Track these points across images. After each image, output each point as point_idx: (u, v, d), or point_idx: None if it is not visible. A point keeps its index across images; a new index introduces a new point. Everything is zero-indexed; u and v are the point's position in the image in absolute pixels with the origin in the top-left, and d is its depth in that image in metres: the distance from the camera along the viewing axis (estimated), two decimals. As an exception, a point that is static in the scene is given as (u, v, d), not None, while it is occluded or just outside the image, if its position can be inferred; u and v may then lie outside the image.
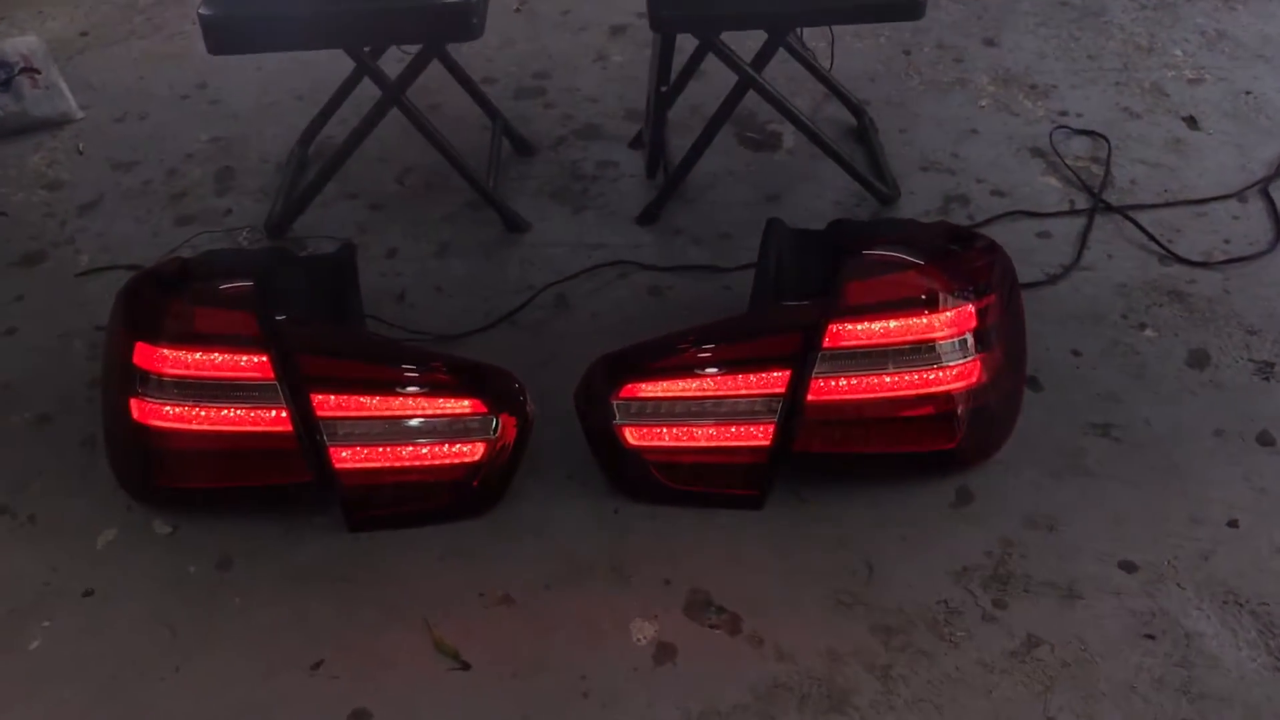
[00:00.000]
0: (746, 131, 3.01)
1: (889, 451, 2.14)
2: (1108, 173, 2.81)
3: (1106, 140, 2.90)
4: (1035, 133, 2.95)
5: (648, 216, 2.74)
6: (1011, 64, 3.20)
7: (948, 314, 2.11)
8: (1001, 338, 2.20)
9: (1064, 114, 3.01)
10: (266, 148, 3.01)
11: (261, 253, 2.46)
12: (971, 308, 2.14)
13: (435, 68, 2.98)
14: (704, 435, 2.12)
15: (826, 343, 2.07)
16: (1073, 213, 2.72)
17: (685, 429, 2.12)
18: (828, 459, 2.14)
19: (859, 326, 2.09)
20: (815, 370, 2.07)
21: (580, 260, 2.63)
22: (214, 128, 3.10)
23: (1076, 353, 2.38)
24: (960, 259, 2.22)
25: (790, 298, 2.22)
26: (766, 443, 2.10)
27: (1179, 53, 3.24)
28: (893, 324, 2.10)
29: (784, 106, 2.62)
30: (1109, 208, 2.71)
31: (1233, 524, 2.06)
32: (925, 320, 2.10)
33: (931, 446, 2.15)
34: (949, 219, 2.69)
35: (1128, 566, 2.00)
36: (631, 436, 2.12)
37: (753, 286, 2.34)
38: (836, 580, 2.00)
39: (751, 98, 2.66)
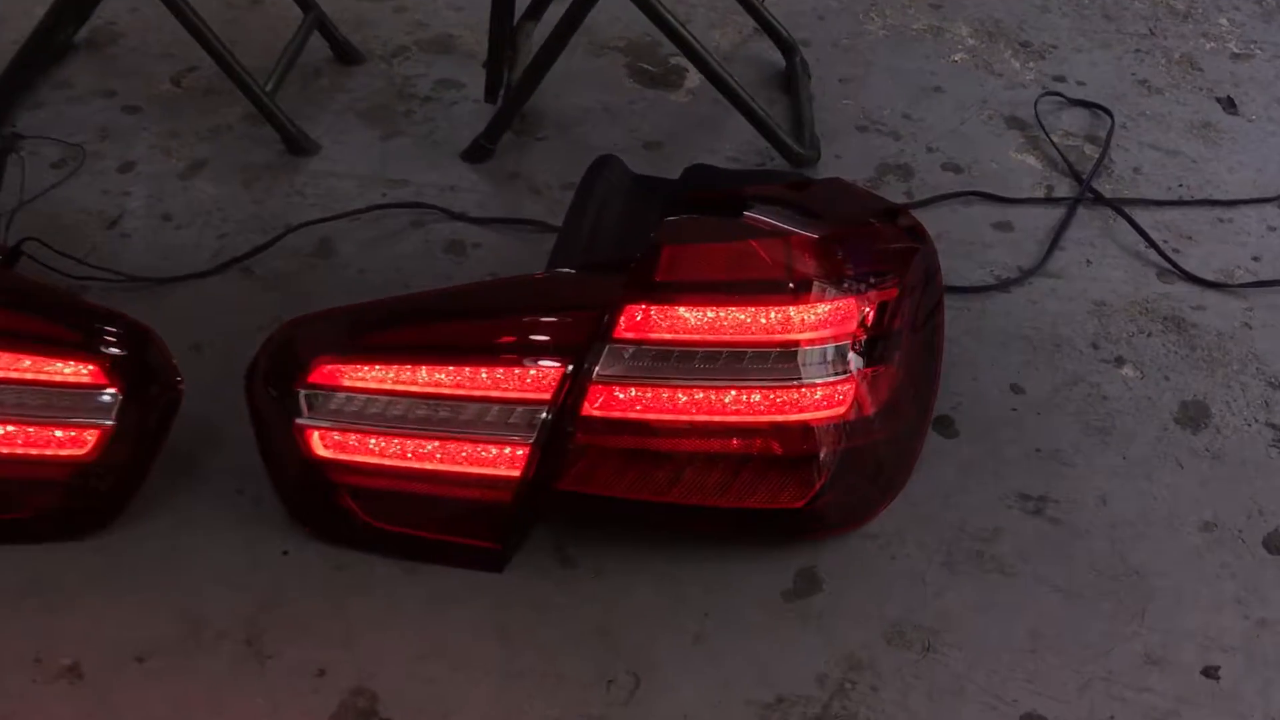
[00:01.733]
0: (641, 62, 2.31)
1: (703, 505, 1.43)
2: (1105, 155, 2.08)
3: (1110, 115, 2.17)
4: (1018, 99, 2.23)
5: (477, 152, 2.04)
6: (1003, 15, 2.48)
7: (820, 308, 1.41)
8: (902, 354, 1.50)
9: (1060, 80, 2.28)
10: (25, 26, 2.34)
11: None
12: (858, 304, 1.43)
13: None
14: (428, 454, 1.42)
15: (621, 331, 1.37)
16: (1048, 201, 2.00)
17: (402, 442, 1.42)
18: (610, 507, 1.43)
19: (676, 312, 1.39)
20: (600, 371, 1.37)
21: (372, 197, 1.94)
22: (-23, -1, 2.44)
23: (1017, 389, 1.66)
24: (858, 234, 1.52)
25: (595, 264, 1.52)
26: (516, 473, 1.40)
27: (1224, 22, 2.50)
28: (729, 314, 1.39)
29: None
30: (1099, 199, 1.99)
31: (1209, 673, 1.33)
32: (782, 313, 1.40)
33: (769, 502, 1.44)
34: (881, 194, 1.97)
35: (1035, 724, 1.28)
36: (321, 445, 1.43)
37: (556, 243, 1.64)
38: (581, 694, 1.29)
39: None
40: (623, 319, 1.37)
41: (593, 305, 1.38)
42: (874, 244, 1.53)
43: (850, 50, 2.37)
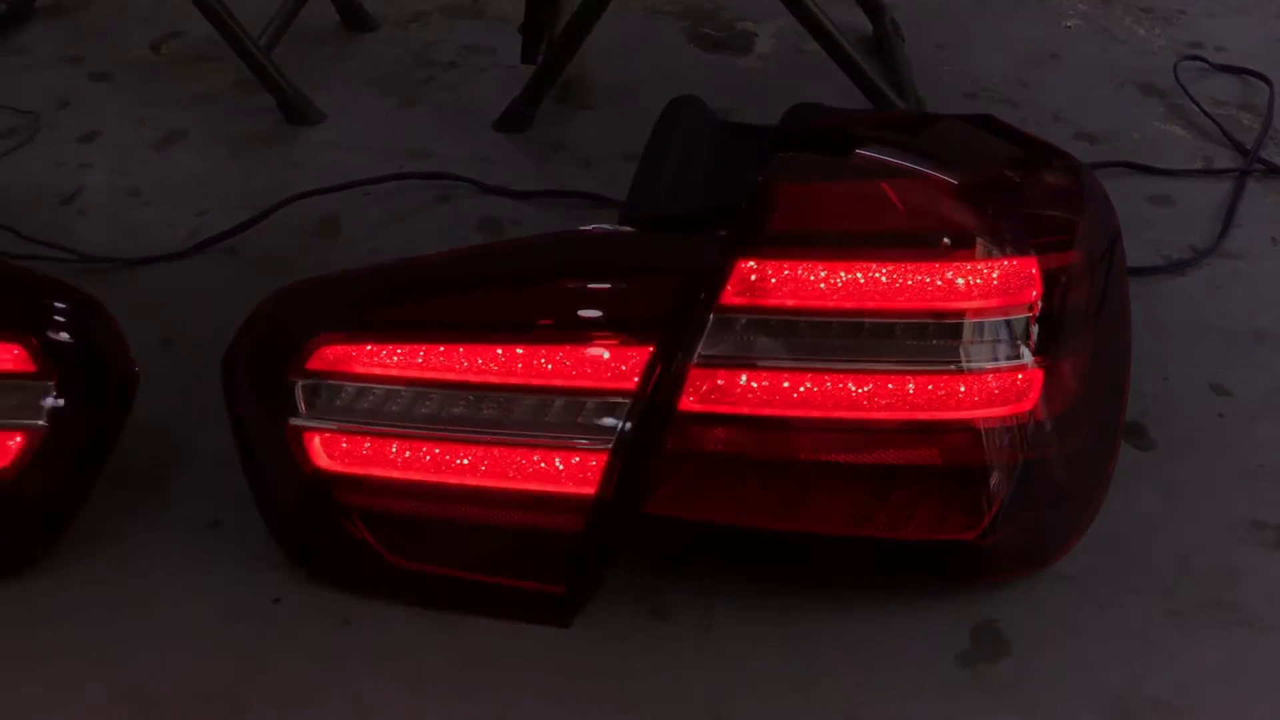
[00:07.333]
0: (703, 27, 1.97)
1: (841, 536, 1.06)
2: (1269, 125, 1.73)
3: (1268, 82, 1.82)
4: (1150, 66, 1.89)
5: (513, 120, 1.69)
6: (1116, -19, 2.15)
7: (987, 271, 1.05)
8: (1085, 338, 1.13)
9: (1196, 46, 1.94)
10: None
11: None
12: (1035, 267, 1.07)
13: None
14: (468, 467, 1.05)
15: (731, 297, 1.01)
16: (1209, 173, 1.64)
17: (433, 450, 1.05)
18: (715, 539, 1.06)
19: (799, 272, 1.02)
20: (703, 352, 1.01)
21: (386, 171, 1.59)
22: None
23: (1220, 390, 1.30)
24: (1019, 180, 1.16)
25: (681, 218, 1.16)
26: (589, 492, 1.03)
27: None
28: (867, 276, 1.03)
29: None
30: (1271, 170, 1.64)
31: None
32: (939, 275, 1.04)
33: (932, 532, 1.06)
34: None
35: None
36: (325, 454, 1.06)
37: (626, 199, 1.27)
38: (693, 804, 0.92)
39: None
40: (731, 278, 1.01)
41: (689, 264, 1.02)
42: (1042, 191, 1.18)
43: (944, 17, 2.02)
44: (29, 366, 1.02)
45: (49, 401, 1.02)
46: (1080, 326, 1.13)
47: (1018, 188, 1.16)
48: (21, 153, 1.61)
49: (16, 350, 1.02)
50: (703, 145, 1.30)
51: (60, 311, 1.04)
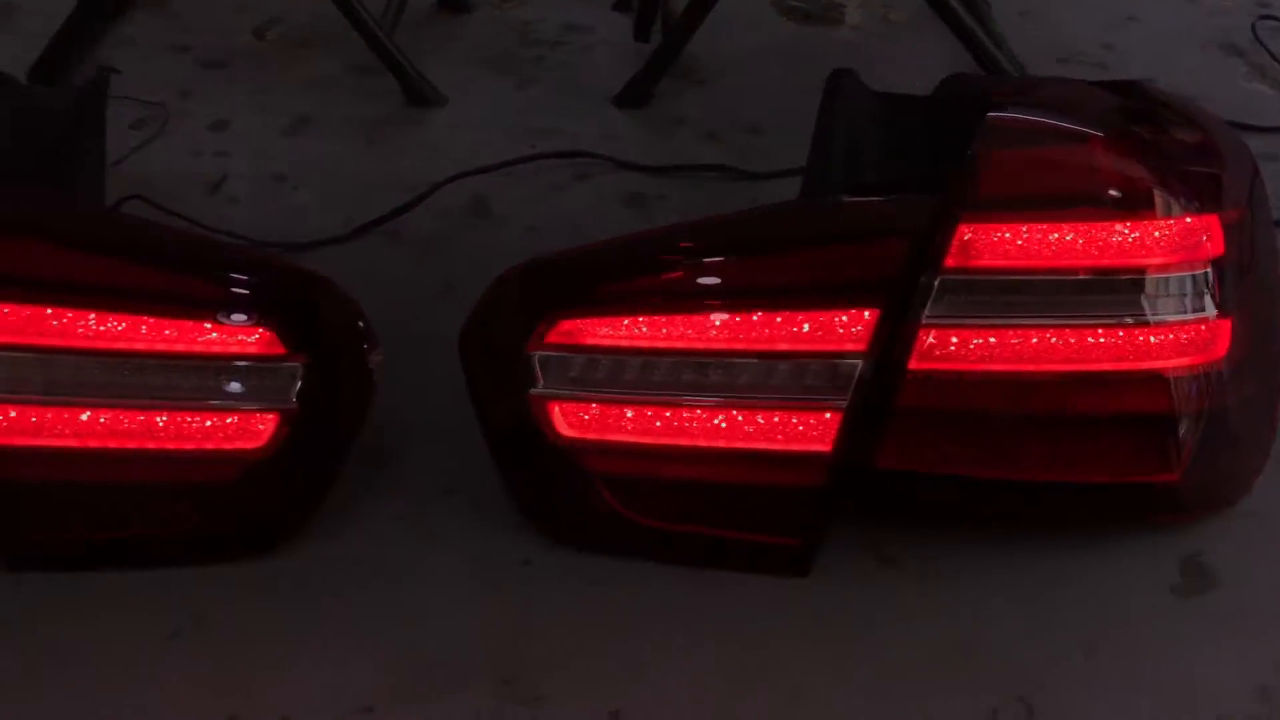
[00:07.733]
0: (791, 0, 2.01)
1: (1050, 481, 1.13)
2: (1349, 79, 1.82)
3: (1341, 36, 1.91)
4: (1226, 25, 1.96)
5: (633, 95, 1.73)
6: (1177, -56, 2.22)
7: (1175, 227, 1.11)
8: (1251, 288, 1.20)
9: (1265, 4, 2.02)
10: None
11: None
12: (1216, 222, 1.14)
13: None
14: (702, 429, 1.10)
15: (954, 259, 1.07)
16: (1304, 130, 1.72)
17: (666, 414, 1.10)
18: (937, 489, 1.12)
19: (1006, 234, 1.09)
20: (930, 312, 1.07)
21: (519, 150, 1.62)
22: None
23: (1358, 333, 1.37)
24: (1189, 140, 1.24)
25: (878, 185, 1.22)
26: (825, 449, 1.08)
27: None
28: (1069, 236, 1.10)
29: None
30: (1361, 125, 1.73)
31: None
32: (1134, 233, 1.10)
33: (1133, 475, 1.13)
34: (1108, 128, 1.68)
35: None
36: (564, 422, 1.10)
37: (806, 171, 1.33)
38: (957, 733, 0.98)
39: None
40: (955, 241, 1.07)
41: (912, 229, 1.08)
42: (1202, 151, 1.25)
43: (1020, -16, 2.09)
44: (277, 349, 1.06)
45: (298, 382, 1.07)
46: (1246, 276, 1.20)
47: (1190, 148, 1.23)
48: (158, 143, 1.63)
49: (262, 333, 1.06)
50: (865, 116, 1.35)
51: (304, 294, 1.08)
